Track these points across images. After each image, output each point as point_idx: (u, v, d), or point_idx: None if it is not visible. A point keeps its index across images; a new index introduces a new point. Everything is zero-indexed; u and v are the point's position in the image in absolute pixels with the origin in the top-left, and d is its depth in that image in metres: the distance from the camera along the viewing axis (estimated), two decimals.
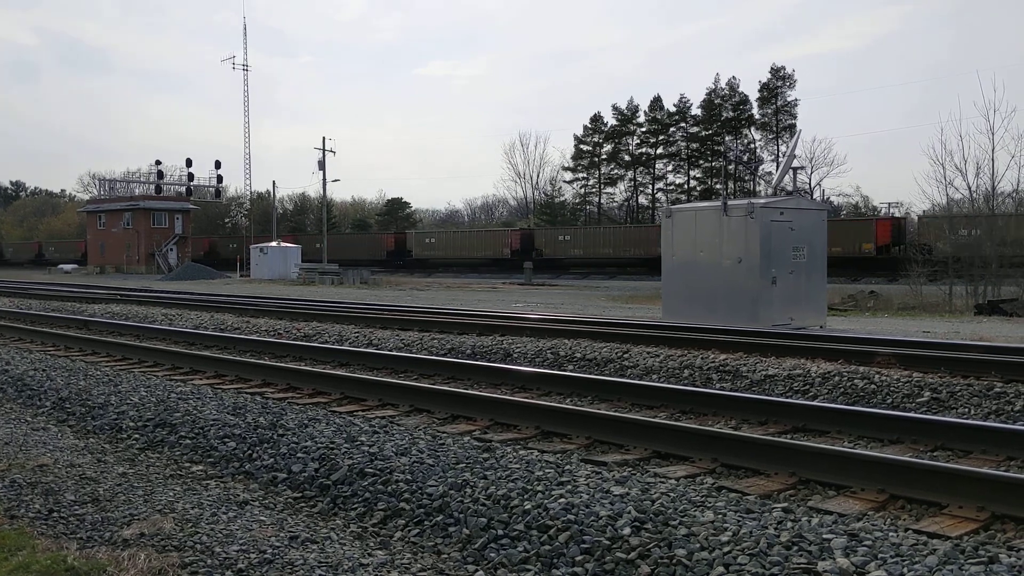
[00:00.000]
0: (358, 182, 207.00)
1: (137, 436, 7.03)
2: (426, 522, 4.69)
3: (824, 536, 3.93)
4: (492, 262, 60.45)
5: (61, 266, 75.01)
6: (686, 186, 79.87)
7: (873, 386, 8.42)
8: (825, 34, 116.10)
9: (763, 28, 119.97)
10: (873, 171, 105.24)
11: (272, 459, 5.96)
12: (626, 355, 10.71)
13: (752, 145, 76.88)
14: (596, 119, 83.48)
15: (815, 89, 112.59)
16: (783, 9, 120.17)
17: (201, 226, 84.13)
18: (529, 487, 4.77)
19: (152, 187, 71.52)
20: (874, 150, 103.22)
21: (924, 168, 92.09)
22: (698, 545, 3.92)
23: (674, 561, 3.82)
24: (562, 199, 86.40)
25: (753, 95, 75.46)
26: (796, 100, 74.56)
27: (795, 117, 73.71)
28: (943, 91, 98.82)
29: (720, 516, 4.23)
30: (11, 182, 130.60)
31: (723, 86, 76.77)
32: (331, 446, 5.92)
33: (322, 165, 57.61)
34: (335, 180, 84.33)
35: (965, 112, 40.87)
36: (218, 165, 72.71)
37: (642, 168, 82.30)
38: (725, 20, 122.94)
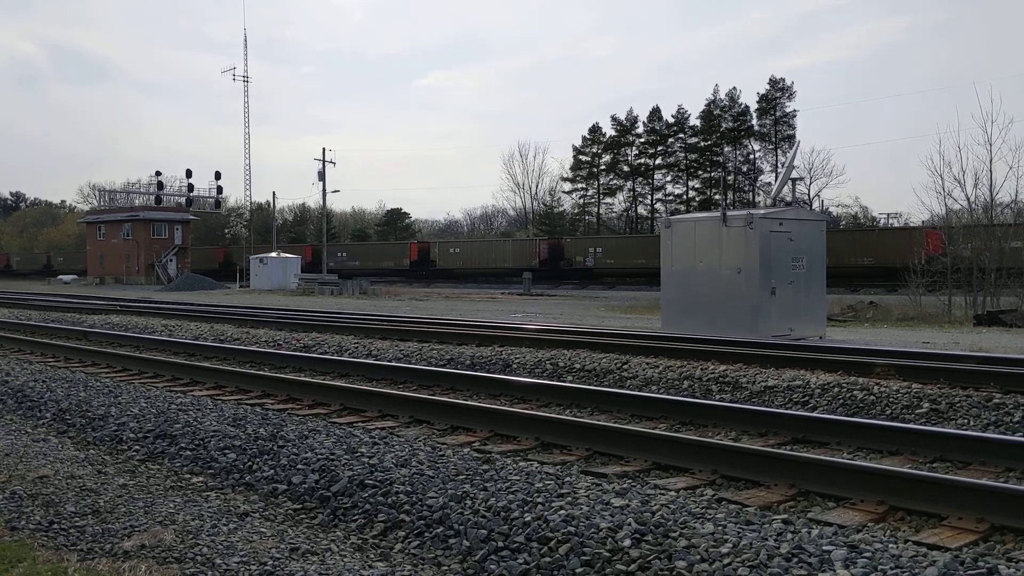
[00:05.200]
0: (357, 192, 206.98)
1: (137, 447, 7.04)
2: (426, 534, 4.69)
3: (824, 548, 3.94)
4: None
5: (60, 277, 74.96)
6: (685, 196, 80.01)
7: (872, 397, 8.43)
8: (825, 45, 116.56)
9: (763, 39, 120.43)
10: (872, 182, 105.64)
11: (272, 470, 5.97)
12: (625, 366, 10.72)
13: (751, 156, 77.10)
14: (595, 130, 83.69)
15: (814, 100, 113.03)
16: (783, 20, 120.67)
17: (201, 236, 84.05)
18: (529, 499, 4.77)
19: (152, 198, 71.43)
20: (873, 161, 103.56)
21: (923, 179, 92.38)
22: (698, 557, 3.93)
23: (674, 573, 3.82)
24: (561, 209, 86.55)
25: (752, 106, 75.77)
26: (795, 111, 74.84)
27: (794, 128, 73.98)
28: (941, 102, 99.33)
29: (720, 528, 4.24)
30: (11, 193, 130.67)
31: (723, 97, 77.08)
32: (331, 457, 5.92)
33: (322, 176, 57.73)
34: (335, 191, 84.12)
35: (963, 123, 41.07)
36: (218, 176, 72.61)
37: (641, 178, 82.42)
38: (724, 31, 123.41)
